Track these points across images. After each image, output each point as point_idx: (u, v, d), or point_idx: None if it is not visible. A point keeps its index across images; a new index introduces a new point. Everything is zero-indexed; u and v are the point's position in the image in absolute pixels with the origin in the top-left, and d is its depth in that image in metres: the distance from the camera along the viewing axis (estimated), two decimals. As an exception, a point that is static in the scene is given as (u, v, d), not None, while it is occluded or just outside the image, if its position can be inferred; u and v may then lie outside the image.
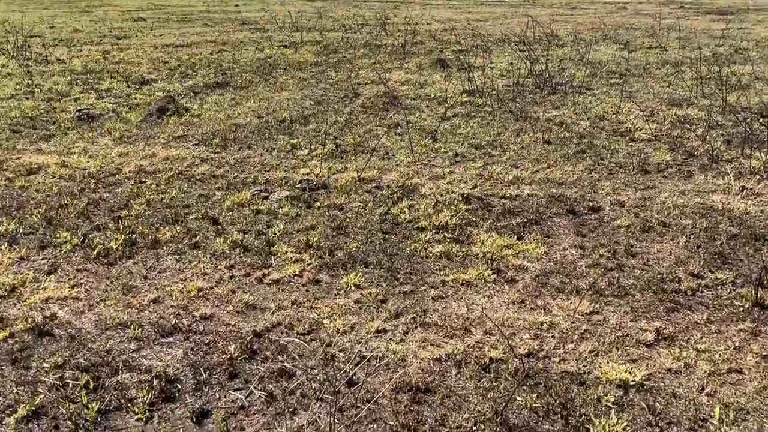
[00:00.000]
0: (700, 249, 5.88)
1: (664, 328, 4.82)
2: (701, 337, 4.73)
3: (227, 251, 6.04)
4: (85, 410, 4.07)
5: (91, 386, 4.28)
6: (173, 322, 4.96)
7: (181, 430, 3.96)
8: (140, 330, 4.89)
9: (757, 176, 7.35)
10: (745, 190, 6.98)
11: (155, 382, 4.31)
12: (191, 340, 4.78)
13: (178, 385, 4.32)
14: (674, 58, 13.87)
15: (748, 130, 8.54)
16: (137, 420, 4.04)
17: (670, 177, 7.57)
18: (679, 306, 5.10)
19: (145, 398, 4.17)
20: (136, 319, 5.04)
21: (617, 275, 5.52)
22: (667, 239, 6.08)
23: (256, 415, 4.07)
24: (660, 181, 7.45)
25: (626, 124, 9.30)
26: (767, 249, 5.79)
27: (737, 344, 4.64)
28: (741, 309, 5.04)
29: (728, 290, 5.29)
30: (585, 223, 6.46)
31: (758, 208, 6.65)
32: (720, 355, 4.53)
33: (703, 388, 4.23)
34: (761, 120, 9.10)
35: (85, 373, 4.41)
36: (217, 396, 4.23)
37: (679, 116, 9.50)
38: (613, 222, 6.45)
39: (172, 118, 10.11)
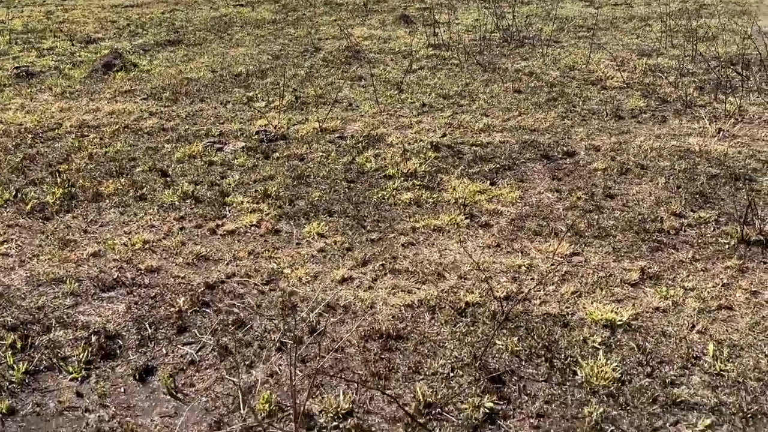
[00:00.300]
0: (680, 189, 5.60)
1: (648, 268, 4.52)
2: (688, 276, 4.46)
3: (177, 203, 5.53)
4: (11, 371, 3.58)
5: (19, 345, 3.78)
6: (115, 276, 4.47)
7: (122, 388, 3.51)
8: (77, 285, 4.38)
9: (732, 119, 7.12)
10: (721, 132, 6.74)
11: (93, 338, 3.83)
12: (135, 294, 4.29)
13: (120, 342, 3.85)
14: (641, 13, 13.62)
15: (720, 76, 8.32)
16: (71, 380, 3.57)
17: (645, 122, 7.28)
18: (662, 245, 4.81)
19: (80, 356, 3.69)
20: (73, 273, 4.52)
21: (596, 217, 5.20)
22: (645, 181, 5.79)
23: (208, 370, 3.64)
24: (634, 126, 7.16)
25: (597, 73, 8.98)
26: (748, 188, 5.55)
27: (725, 281, 4.37)
28: (727, 246, 4.78)
29: (712, 228, 5.02)
30: (560, 168, 6.13)
31: (736, 149, 6.41)
32: (708, 292, 4.26)
33: (693, 326, 3.96)
34: (732, 67, 8.90)
35: (12, 332, 3.90)
36: (164, 351, 3.78)
37: (649, 65, 9.21)
38: (589, 165, 6.13)
39: (119, 74, 9.41)
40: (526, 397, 3.41)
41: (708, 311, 4.07)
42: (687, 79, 8.64)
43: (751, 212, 4.95)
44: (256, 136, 6.94)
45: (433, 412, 3.28)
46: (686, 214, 5.23)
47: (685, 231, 5.01)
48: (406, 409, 3.24)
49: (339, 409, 3.28)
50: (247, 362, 3.67)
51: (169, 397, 3.43)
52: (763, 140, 6.65)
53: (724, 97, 7.72)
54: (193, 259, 4.69)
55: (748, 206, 4.95)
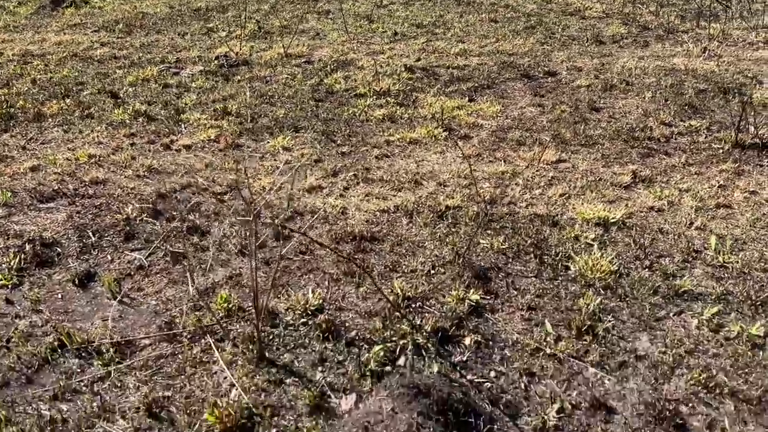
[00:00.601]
0: (668, 102, 5.30)
1: (640, 171, 4.21)
2: (682, 178, 4.16)
3: (127, 121, 5.04)
4: (-72, 279, 3.13)
5: (-60, 254, 3.33)
6: (55, 188, 4.00)
7: (59, 295, 3.09)
8: (12, 197, 3.90)
9: (716, 42, 6.84)
10: (707, 51, 6.45)
11: (27, 247, 3.38)
12: (78, 204, 3.84)
13: (58, 249, 3.41)
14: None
15: (701, 5, 8.03)
16: (0, 287, 3.13)
17: (627, 47, 6.96)
18: (653, 152, 4.51)
19: (11, 264, 3.25)
20: (8, 186, 4.04)
21: (582, 127, 4.87)
22: (631, 95, 5.47)
23: (159, 275, 3.22)
24: (616, 50, 6.83)
25: (575, 4, 8.63)
26: (738, 99, 5.27)
27: (722, 183, 4.09)
28: (721, 151, 4.49)
29: (704, 136, 4.73)
30: (542, 86, 5.77)
31: (722, 67, 6.13)
32: (705, 192, 3.97)
33: (691, 223, 3.66)
34: (713, -1, 8.62)
35: (-68, 242, 3.44)
36: (109, 258, 3.35)
37: (629, -2, 8.90)
38: (571, 83, 5.79)
39: (69, 9, 8.76)
40: (515, 292, 3.08)
41: (706, 210, 3.79)
42: (667, 9, 8.33)
43: (745, 119, 4.67)
44: (215, 62, 6.43)
45: (413, 305, 2.93)
46: (676, 123, 4.92)
47: (676, 139, 4.71)
48: (387, 295, 2.88)
49: (308, 306, 2.91)
50: (203, 266, 3.27)
51: (113, 301, 3.02)
52: (749, 60, 6.38)
53: (706, 24, 7.44)
54: (144, 172, 4.23)
55: (742, 113, 4.67)
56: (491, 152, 4.54)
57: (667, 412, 2.41)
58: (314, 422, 2.33)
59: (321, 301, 2.95)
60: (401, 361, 2.56)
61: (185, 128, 4.92)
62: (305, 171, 4.28)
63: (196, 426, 2.32)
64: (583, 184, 4.07)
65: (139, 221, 3.64)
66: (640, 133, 4.75)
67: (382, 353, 2.61)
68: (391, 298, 2.91)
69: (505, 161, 4.40)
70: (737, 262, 3.29)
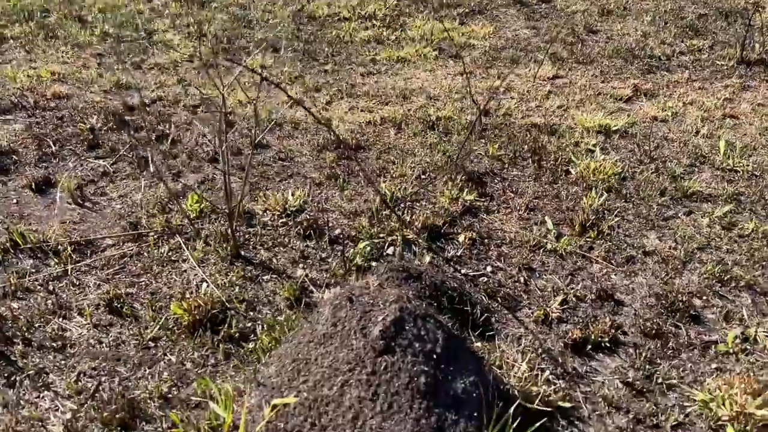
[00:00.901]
0: (668, 25, 5.04)
1: (641, 85, 3.98)
2: (686, 92, 3.93)
3: (95, 42, 4.70)
4: None
5: None
6: (14, 101, 3.68)
7: (14, 200, 2.81)
8: (-35, 109, 3.60)
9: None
10: (707, -20, 6.19)
11: (-20, 155, 3.10)
12: (38, 116, 3.53)
13: (14, 158, 3.12)
14: None
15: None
16: (-52, 192, 2.86)
17: (623, -22, 6.68)
18: (654, 68, 4.27)
19: (-39, 170, 2.97)
20: (-40, 100, 3.73)
21: (580, 47, 4.61)
22: (630, 19, 5.21)
23: (125, 180, 2.95)
24: (612, -19, 6.55)
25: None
26: (741, 21, 5.03)
27: (727, 96, 3.86)
28: (725, 68, 4.26)
29: (706, 54, 4.49)
30: (536, 12, 5.47)
31: (723, -4, 5.88)
32: (710, 104, 3.75)
33: (698, 132, 3.44)
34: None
35: None
36: (71, 166, 3.07)
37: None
38: (566, 9, 5.50)
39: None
40: (512, 194, 2.85)
41: (712, 120, 3.57)
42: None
43: (750, 36, 4.44)
44: (191, -10, 6.07)
45: (402, 206, 2.70)
46: (677, 43, 4.68)
47: (677, 57, 4.46)
48: (375, 190, 2.64)
49: (287, 207, 2.66)
50: (173, 171, 3.01)
51: (74, 206, 2.75)
52: (751, -11, 6.12)
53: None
54: (111, 87, 3.93)
55: (747, 30, 4.44)
56: (484, 70, 4.28)
57: (680, 304, 2.21)
58: (295, 313, 2.10)
59: (302, 202, 2.70)
60: (390, 251, 2.33)
61: (158, 49, 4.60)
62: (285, 86, 4.00)
63: (162, 321, 2.09)
64: (581, 97, 3.83)
65: (105, 131, 3.36)
66: (639, 51, 4.50)
67: (369, 249, 2.38)
68: (378, 197, 2.68)
69: (499, 78, 4.14)
70: (748, 165, 3.08)
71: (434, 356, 1.57)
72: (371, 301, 1.65)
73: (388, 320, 1.58)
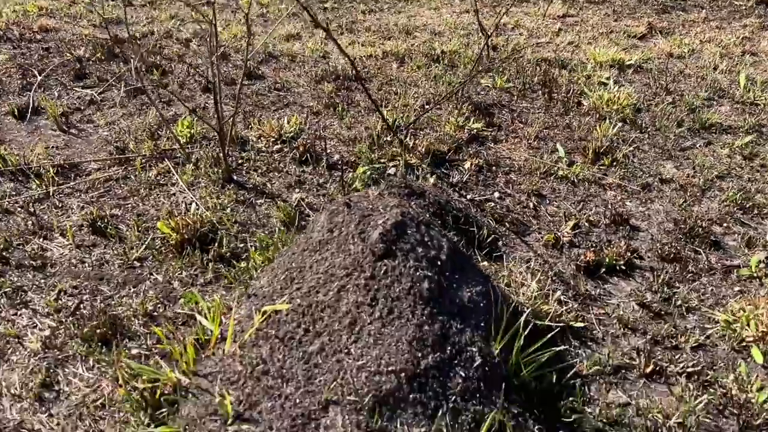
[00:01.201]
0: (683, -33, 4.83)
1: (657, 24, 3.80)
2: (703, 31, 3.75)
3: (85, -21, 4.52)
4: None
5: None
6: (-2, 34, 3.53)
7: (-5, 127, 2.68)
8: (-53, 41, 3.44)
9: None
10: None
11: (-40, 83, 2.95)
12: (23, 47, 3.37)
13: (-3, 86, 2.98)
14: None
15: None
16: (-74, 118, 2.71)
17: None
18: (669, 8, 4.08)
19: (-59, 97, 2.82)
20: (-58, 32, 3.57)
21: (591, -12, 4.42)
22: (644, -38, 5.00)
23: (113, 109, 2.80)
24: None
25: None
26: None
27: (746, 35, 3.68)
28: (743, 7, 4.08)
29: (724, -5, 4.31)
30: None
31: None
32: (729, 41, 3.58)
33: (716, 67, 3.28)
34: None
35: None
36: (56, 95, 2.92)
37: None
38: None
39: None
40: (522, 125, 2.70)
41: (731, 56, 3.40)
42: None
43: (770, -25, 4.24)
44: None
45: (405, 132, 2.55)
46: (693, -15, 4.48)
47: (693, -3, 4.28)
48: (380, 108, 2.49)
49: (283, 133, 2.52)
50: (164, 100, 2.86)
51: (58, 132, 2.61)
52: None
53: None
54: (100, 23, 3.76)
55: (767, -32, 4.23)
56: (492, 8, 4.10)
57: (700, 230, 2.08)
58: (289, 233, 1.98)
59: (298, 129, 2.56)
60: (391, 171, 2.20)
61: (150, -14, 4.40)
62: (281, 21, 3.82)
63: (148, 241, 1.96)
64: (593, 34, 3.66)
65: (93, 62, 3.20)
66: (654, -8, 4.31)
67: (368, 173, 2.24)
68: (380, 122, 2.53)
69: (507, 15, 3.96)
70: (769, 99, 2.93)
71: (438, 263, 1.44)
72: (370, 206, 1.52)
73: (389, 224, 1.45)
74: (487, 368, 1.34)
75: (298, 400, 1.25)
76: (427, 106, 2.80)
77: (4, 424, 1.47)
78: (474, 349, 1.35)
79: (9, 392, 1.54)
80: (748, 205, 2.22)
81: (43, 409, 1.50)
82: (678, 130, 2.66)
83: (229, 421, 1.26)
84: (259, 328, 1.38)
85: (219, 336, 1.49)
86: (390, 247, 1.42)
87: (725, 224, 2.14)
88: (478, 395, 1.30)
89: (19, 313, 1.75)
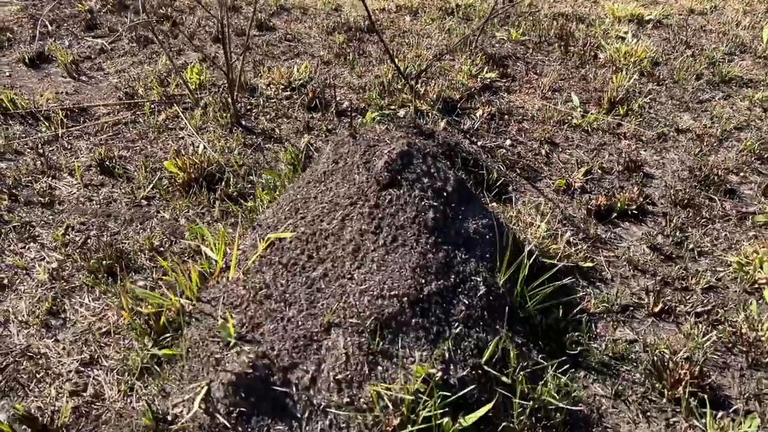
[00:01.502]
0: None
1: (678, -20, 3.70)
2: (726, -12, 3.65)
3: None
4: None
5: None
6: (10, -14, 3.51)
7: (7, 72, 2.67)
8: (-40, -8, 3.43)
9: None
10: None
11: (-28, 32, 2.95)
12: (35, -1, 3.37)
13: (9, 35, 2.97)
14: None
15: None
16: (-62, 64, 2.71)
17: None
18: (692, -34, 3.97)
19: (-48, 45, 2.82)
20: (-44, -16, 3.56)
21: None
22: None
23: (123, 57, 2.79)
24: None
25: None
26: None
27: (771, -8, 3.58)
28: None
29: (750, -47, 4.17)
30: None
31: None
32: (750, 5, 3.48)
33: (738, 23, 3.19)
34: None
35: None
36: (68, 44, 2.91)
37: None
38: None
39: None
40: (536, 75, 2.65)
41: (754, 12, 3.30)
42: None
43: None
44: None
45: (415, 77, 2.51)
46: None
47: (718, -45, 4.14)
48: (392, 54, 2.45)
49: (292, 80, 2.49)
50: (175, 49, 2.84)
51: (68, 79, 2.60)
52: None
53: None
54: (113, -24, 3.73)
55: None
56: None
57: (715, 178, 2.03)
58: (297, 175, 1.96)
59: (308, 77, 2.53)
60: (401, 113, 2.17)
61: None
62: (296, -21, 3.76)
63: (156, 180, 1.96)
64: (612, -10, 3.57)
65: (104, 13, 3.18)
66: (677, -51, 4.19)
67: (378, 118, 2.21)
68: (390, 69, 2.49)
69: (523, -27, 3.86)
70: (793, 54, 2.84)
71: (444, 194, 1.42)
72: (376, 138, 1.49)
73: (395, 153, 1.42)
74: (491, 297, 1.32)
75: (300, 323, 1.24)
76: (439, 57, 2.75)
77: (11, 348, 1.49)
78: (478, 279, 1.33)
79: (16, 319, 1.55)
80: (766, 155, 2.16)
81: (50, 335, 1.52)
82: (696, 83, 2.59)
83: (231, 342, 1.26)
84: (262, 255, 1.37)
85: (223, 266, 1.48)
86: (395, 176, 1.40)
87: (742, 173, 2.10)
88: (481, 323, 1.28)
89: (27, 246, 1.77)
